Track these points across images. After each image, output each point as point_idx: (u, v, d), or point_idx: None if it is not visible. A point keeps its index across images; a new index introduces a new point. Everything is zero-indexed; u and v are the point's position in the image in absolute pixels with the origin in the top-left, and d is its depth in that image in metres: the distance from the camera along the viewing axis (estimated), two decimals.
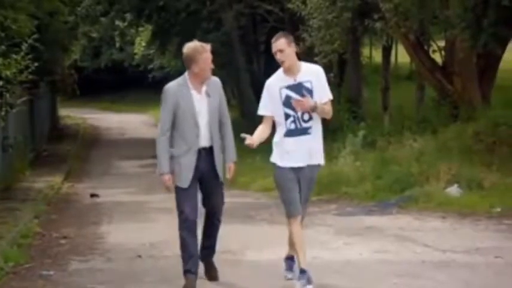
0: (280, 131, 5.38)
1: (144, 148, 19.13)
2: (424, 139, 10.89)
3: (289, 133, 5.36)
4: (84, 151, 19.45)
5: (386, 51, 17.18)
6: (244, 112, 19.26)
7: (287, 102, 5.32)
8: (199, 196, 5.53)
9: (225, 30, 18.64)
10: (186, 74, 5.43)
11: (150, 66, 29.22)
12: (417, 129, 11.54)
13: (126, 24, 23.66)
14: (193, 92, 5.37)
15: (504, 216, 8.08)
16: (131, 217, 9.18)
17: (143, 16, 21.61)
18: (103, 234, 8.00)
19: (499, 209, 8.39)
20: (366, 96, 16.66)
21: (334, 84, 16.77)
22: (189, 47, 5.40)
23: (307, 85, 5.35)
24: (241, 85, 20.23)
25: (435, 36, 13.46)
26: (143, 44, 27.36)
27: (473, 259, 6.31)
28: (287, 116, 5.34)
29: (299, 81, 5.34)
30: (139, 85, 32.92)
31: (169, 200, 10.55)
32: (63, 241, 7.65)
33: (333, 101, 5.58)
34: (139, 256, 6.73)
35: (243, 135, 5.24)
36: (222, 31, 18.69)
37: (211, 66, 5.39)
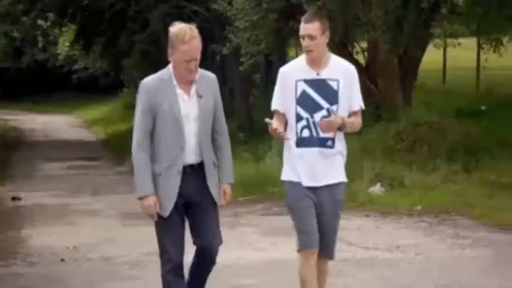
0: (292, 139, 4.24)
1: (69, 149, 18.77)
2: (348, 139, 11.06)
3: (302, 142, 4.20)
4: (6, 153, 18.89)
5: None
6: None
7: (302, 100, 4.19)
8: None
9: (151, 31, 18.49)
10: (170, 66, 4.16)
11: (75, 66, 28.71)
12: None
13: (49, 23, 23.16)
14: (180, 91, 4.13)
15: (424, 214, 8.31)
16: (55, 220, 8.99)
17: (66, 16, 21.21)
18: (25, 238, 7.82)
19: (419, 207, 8.62)
20: None
21: (261, 86, 16.92)
22: (174, 28, 4.11)
23: (333, 84, 4.21)
24: None
25: (359, 38, 13.72)
26: (67, 44, 26.85)
27: (394, 256, 6.48)
28: (299, 118, 4.20)
29: (323, 77, 4.20)
30: (63, 86, 32.29)
31: (95, 202, 10.48)
32: None
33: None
34: (63, 260, 6.60)
35: (267, 120, 4.17)
36: (148, 31, 18.55)
37: (197, 57, 4.08)
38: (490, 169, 9.60)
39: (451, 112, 11.82)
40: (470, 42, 14.27)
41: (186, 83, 4.13)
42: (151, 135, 4.13)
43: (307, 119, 4.19)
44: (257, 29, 12.63)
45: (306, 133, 4.19)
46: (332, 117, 4.13)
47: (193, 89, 4.16)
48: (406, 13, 10.83)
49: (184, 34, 4.05)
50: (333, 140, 4.20)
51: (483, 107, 12.56)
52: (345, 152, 4.34)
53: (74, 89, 31.64)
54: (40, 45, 29.34)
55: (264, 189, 10.29)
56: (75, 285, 5.77)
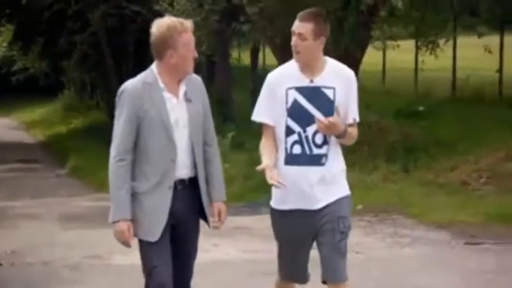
0: (280, 156, 3.67)
1: (7, 152, 18.38)
2: None
3: (292, 160, 3.64)
4: None
5: (254, 54, 17.51)
6: (113, 116, 18.97)
7: (293, 111, 3.63)
8: None
9: (92, 31, 18.26)
10: (153, 67, 3.64)
11: (14, 68, 28.12)
12: None
13: None
14: (168, 95, 3.59)
15: (365, 213, 8.44)
16: None
17: (4, 16, 20.77)
18: None
19: (360, 207, 8.76)
20: (235, 98, 16.88)
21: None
22: (163, 24, 3.56)
23: (328, 93, 3.66)
24: (110, 88, 19.90)
25: None
26: (4, 44, 26.28)
27: None
28: (289, 132, 3.64)
29: (317, 84, 3.66)
30: (1, 88, 31.56)
31: (34, 206, 10.29)
32: None
33: None
34: (1, 264, 6.47)
35: (259, 167, 3.56)
36: (89, 32, 18.31)
37: (195, 54, 3.63)
38: (427, 169, 9.81)
39: (390, 113, 12.04)
40: (409, 44, 14.57)
41: (177, 84, 3.61)
42: (135, 147, 3.56)
43: (299, 134, 3.63)
44: (199, 30, 12.63)
45: (297, 149, 3.63)
46: (335, 119, 3.55)
47: (182, 91, 3.63)
48: (346, 15, 10.99)
49: (180, 23, 3.57)
50: (326, 156, 3.65)
51: (421, 108, 12.83)
52: (341, 160, 3.74)
53: (12, 91, 30.97)
54: None
55: None
56: None
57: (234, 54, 21.97)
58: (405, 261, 6.35)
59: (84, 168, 14.37)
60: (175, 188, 3.58)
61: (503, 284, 5.72)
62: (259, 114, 3.72)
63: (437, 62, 13.21)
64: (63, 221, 8.74)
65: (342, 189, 3.72)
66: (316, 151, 3.64)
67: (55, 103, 27.74)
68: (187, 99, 3.62)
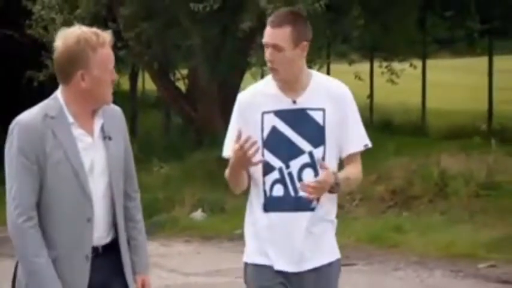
0: (256, 200, 2.97)
1: None
2: (171, 165, 11.18)
3: (273, 205, 2.92)
4: None
5: (133, 79, 17.40)
6: None
7: (272, 141, 2.88)
8: None
9: None
10: (58, 95, 2.75)
11: None
12: (164, 156, 11.81)
13: None
14: (79, 132, 2.72)
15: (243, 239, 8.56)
16: None
17: None
18: None
19: (239, 231, 8.86)
20: None
21: None
22: (71, 36, 2.70)
23: (315, 116, 2.90)
24: None
25: (181, 65, 13.90)
26: None
27: (215, 280, 6.61)
28: (268, 169, 2.90)
29: (302, 105, 2.90)
30: None
31: None
32: None
33: None
34: None
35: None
36: None
37: (115, 76, 2.76)
38: None
39: None
40: None
41: (91, 116, 2.75)
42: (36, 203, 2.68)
43: (280, 170, 2.88)
44: None
45: (278, 191, 2.90)
46: (322, 176, 2.80)
47: (98, 126, 2.75)
48: (223, 42, 11.16)
49: (95, 35, 2.71)
50: (318, 199, 2.88)
51: None
52: (334, 216, 3.00)
53: None
54: None
55: None
56: None
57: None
58: None
59: None
60: (92, 256, 2.71)
61: None
62: (227, 148, 2.93)
63: None
64: None
65: (334, 250, 2.99)
66: (303, 192, 2.84)
67: None
68: (106, 137, 2.75)
